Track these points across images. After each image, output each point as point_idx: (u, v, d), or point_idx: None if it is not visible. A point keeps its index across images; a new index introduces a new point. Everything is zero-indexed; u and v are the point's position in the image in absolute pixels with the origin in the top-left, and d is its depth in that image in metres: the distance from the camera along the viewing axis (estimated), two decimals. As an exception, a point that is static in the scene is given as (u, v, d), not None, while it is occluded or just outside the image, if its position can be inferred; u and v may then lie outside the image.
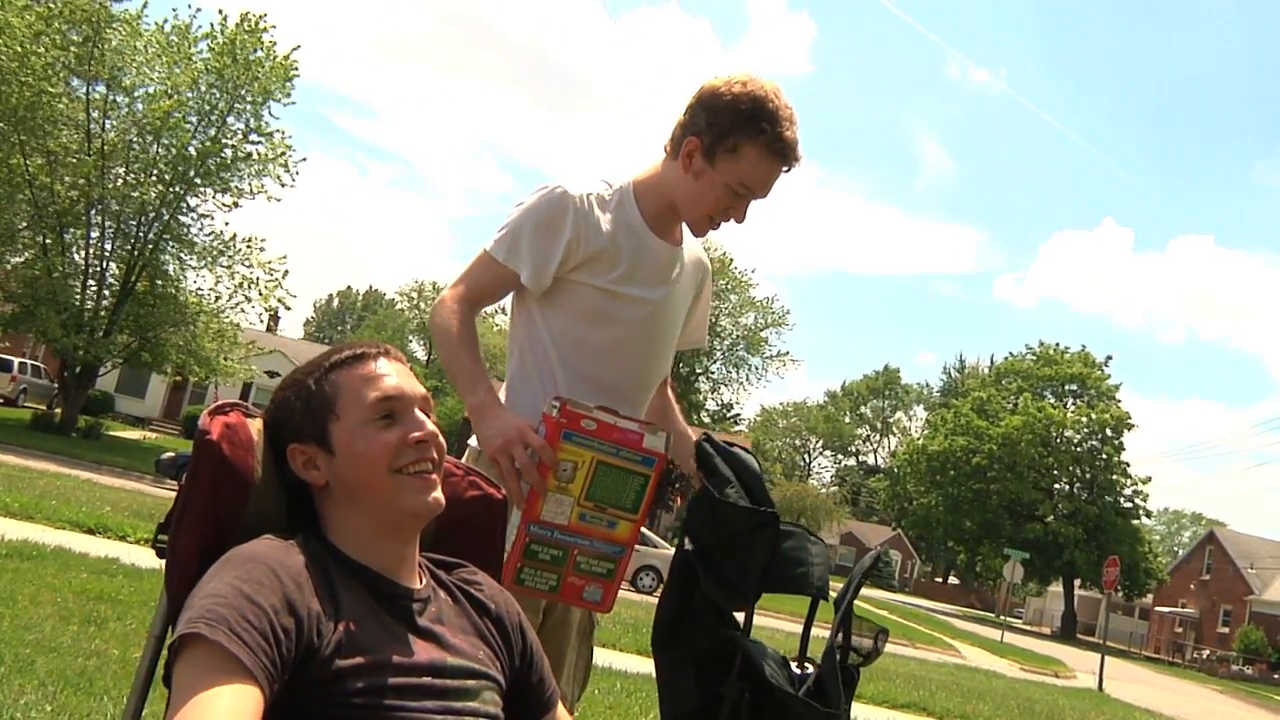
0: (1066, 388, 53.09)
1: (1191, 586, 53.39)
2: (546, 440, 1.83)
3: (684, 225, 2.38)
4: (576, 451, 1.85)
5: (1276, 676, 41.50)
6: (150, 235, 25.00)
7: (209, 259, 25.80)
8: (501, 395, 2.29)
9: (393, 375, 1.46)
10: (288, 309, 30.20)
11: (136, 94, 24.44)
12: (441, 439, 1.47)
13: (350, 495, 1.42)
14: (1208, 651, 46.99)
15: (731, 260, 64.74)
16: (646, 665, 7.17)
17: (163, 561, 1.42)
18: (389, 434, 1.41)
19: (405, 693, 1.25)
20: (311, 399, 1.45)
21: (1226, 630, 48.66)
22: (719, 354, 67.09)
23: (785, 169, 2.23)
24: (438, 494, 1.44)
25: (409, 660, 1.33)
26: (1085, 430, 50.27)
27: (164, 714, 1.16)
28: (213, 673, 1.15)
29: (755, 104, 2.15)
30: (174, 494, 1.45)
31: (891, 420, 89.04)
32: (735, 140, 2.16)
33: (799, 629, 2.18)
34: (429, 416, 1.46)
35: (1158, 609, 55.57)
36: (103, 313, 24.87)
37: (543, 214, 2.20)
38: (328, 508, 1.44)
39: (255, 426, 1.49)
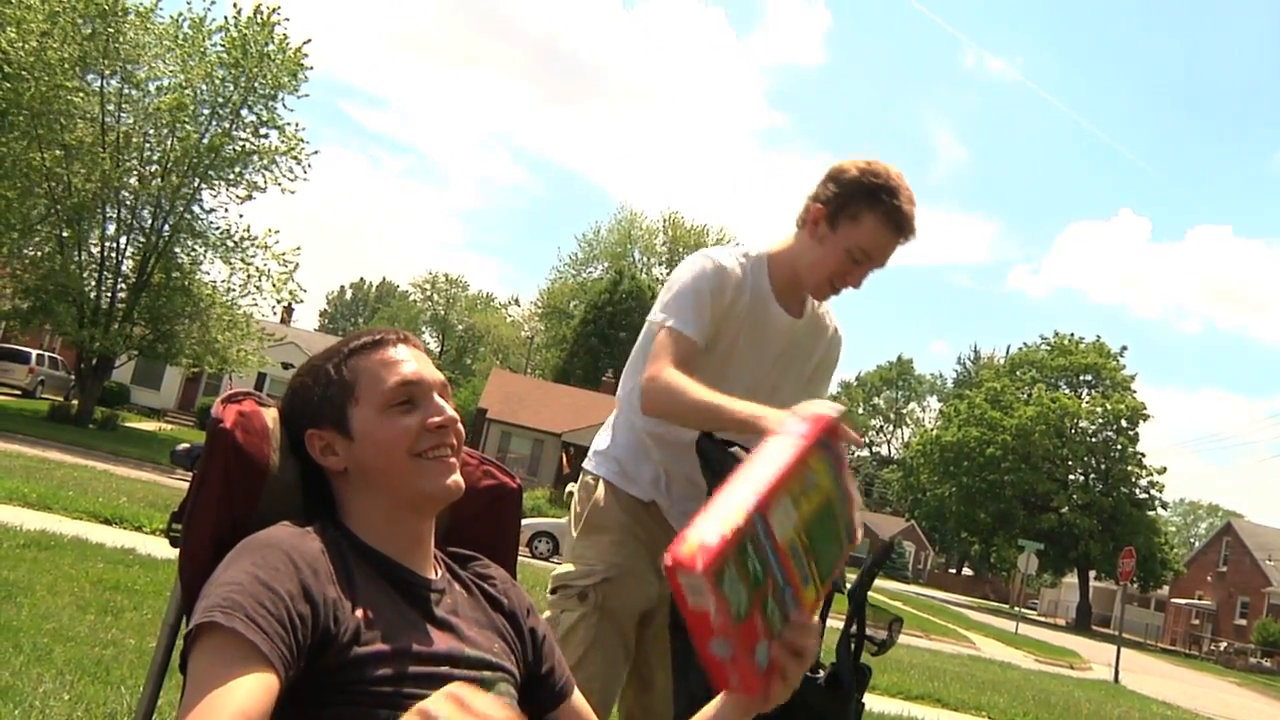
0: (1081, 378, 52.85)
1: (1208, 578, 53.17)
2: (806, 436, 1.30)
3: (809, 299, 2.58)
4: (822, 471, 1.31)
5: (1293, 668, 41.28)
6: (164, 228, 25.13)
7: (223, 251, 25.92)
8: (604, 440, 2.63)
9: (411, 361, 1.46)
10: (299, 301, 30.31)
11: (150, 87, 24.54)
12: (460, 425, 1.46)
13: (369, 480, 1.42)
14: (1225, 644, 46.74)
15: (745, 251, 64.77)
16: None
17: (177, 550, 1.42)
18: (408, 419, 1.41)
19: (424, 681, 1.25)
20: (330, 385, 1.45)
21: (1244, 622, 48.42)
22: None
23: (902, 241, 2.40)
24: (457, 477, 1.43)
25: (428, 649, 1.33)
26: (1100, 421, 50.04)
27: (179, 701, 1.16)
28: (229, 661, 1.15)
29: (878, 178, 2.35)
30: (188, 485, 1.44)
31: (905, 411, 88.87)
32: (857, 208, 2.35)
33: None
34: (448, 402, 1.46)
35: (1174, 601, 55.34)
36: (119, 305, 25.02)
37: (706, 286, 2.38)
38: (346, 493, 1.44)
39: (270, 415, 1.49)
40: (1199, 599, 53.34)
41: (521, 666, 1.48)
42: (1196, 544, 66.29)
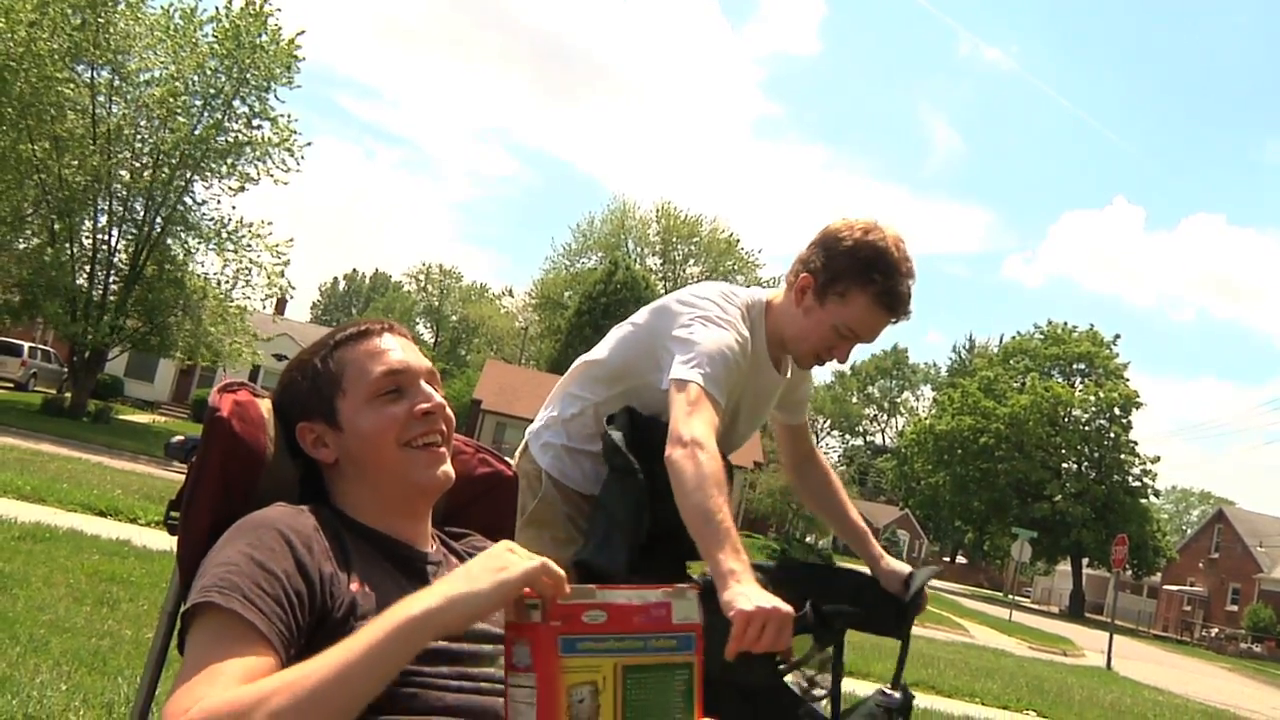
0: (1074, 367, 52.98)
1: (1200, 565, 53.43)
2: (533, 663, 1.13)
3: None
4: (589, 665, 1.15)
5: (1285, 654, 41.51)
6: (157, 220, 25.04)
7: (216, 243, 25.85)
8: (549, 428, 2.49)
9: (398, 350, 1.46)
10: (290, 295, 30.24)
11: (142, 78, 24.44)
12: (449, 411, 1.47)
13: (360, 471, 1.43)
14: (1216, 630, 47.01)
15: (738, 241, 64.77)
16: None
17: (174, 540, 1.43)
18: (396, 408, 1.42)
19: (422, 656, 1.26)
20: (318, 377, 1.46)
21: (1235, 608, 48.68)
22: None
23: (893, 320, 2.27)
24: (447, 467, 1.44)
25: None
26: (1093, 409, 50.18)
27: (173, 683, 1.17)
28: (227, 640, 1.16)
29: (873, 253, 2.20)
30: (183, 477, 1.45)
31: (899, 400, 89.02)
32: (846, 286, 2.22)
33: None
34: (436, 389, 1.47)
35: (1166, 587, 55.58)
36: (111, 298, 24.94)
37: (734, 358, 2.22)
38: (339, 485, 1.45)
39: (265, 405, 1.50)
40: (1191, 586, 53.59)
41: None
42: (1189, 531, 66.53)
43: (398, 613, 1.14)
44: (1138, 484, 49.79)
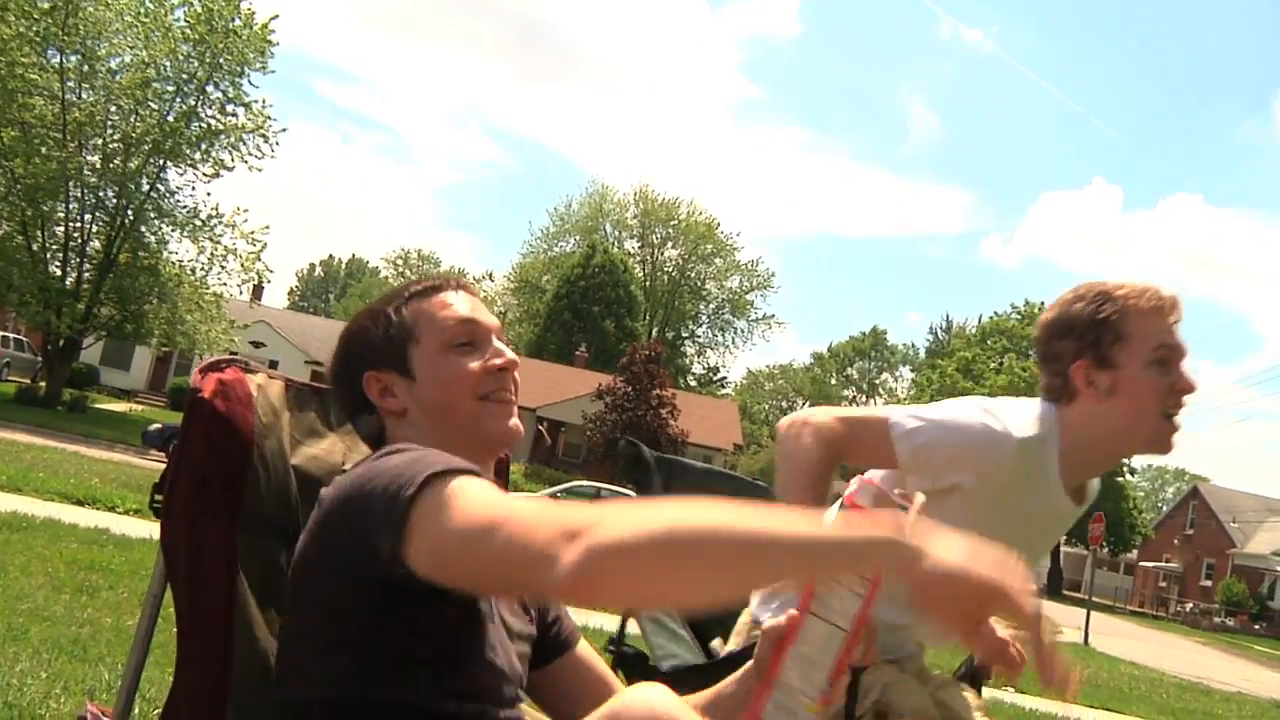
0: (1051, 346, 53.33)
1: (1175, 541, 54.00)
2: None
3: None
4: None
5: (1258, 628, 42.09)
6: (130, 207, 24.82)
7: (190, 230, 25.66)
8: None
9: (469, 306, 1.48)
10: (267, 282, 30.09)
11: (112, 64, 24.18)
12: (517, 370, 1.48)
13: (432, 421, 1.42)
14: (1191, 604, 47.61)
15: (718, 224, 64.80)
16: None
17: (156, 527, 1.43)
18: (472, 360, 1.43)
19: (472, 632, 1.27)
20: (391, 326, 1.45)
21: (1209, 583, 49.28)
22: (704, 317, 67.17)
23: (1173, 314, 1.90)
24: (516, 421, 1.45)
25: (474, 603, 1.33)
26: (1070, 389, 50.55)
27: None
28: (483, 485, 1.15)
29: (1097, 297, 1.91)
30: (161, 466, 1.45)
31: (878, 381, 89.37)
32: (1114, 331, 1.88)
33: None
34: (506, 345, 1.48)
35: (1142, 564, 56.23)
36: (84, 286, 24.73)
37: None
38: (403, 435, 1.42)
39: (255, 381, 1.50)
40: (1166, 562, 54.19)
41: (535, 619, 1.51)
42: (1164, 508, 67.18)
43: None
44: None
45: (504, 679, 1.30)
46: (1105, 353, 1.87)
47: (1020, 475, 1.86)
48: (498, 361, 1.43)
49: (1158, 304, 1.89)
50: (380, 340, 1.45)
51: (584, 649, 1.58)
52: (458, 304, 1.46)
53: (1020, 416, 1.91)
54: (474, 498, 1.10)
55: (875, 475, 1.73)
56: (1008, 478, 1.84)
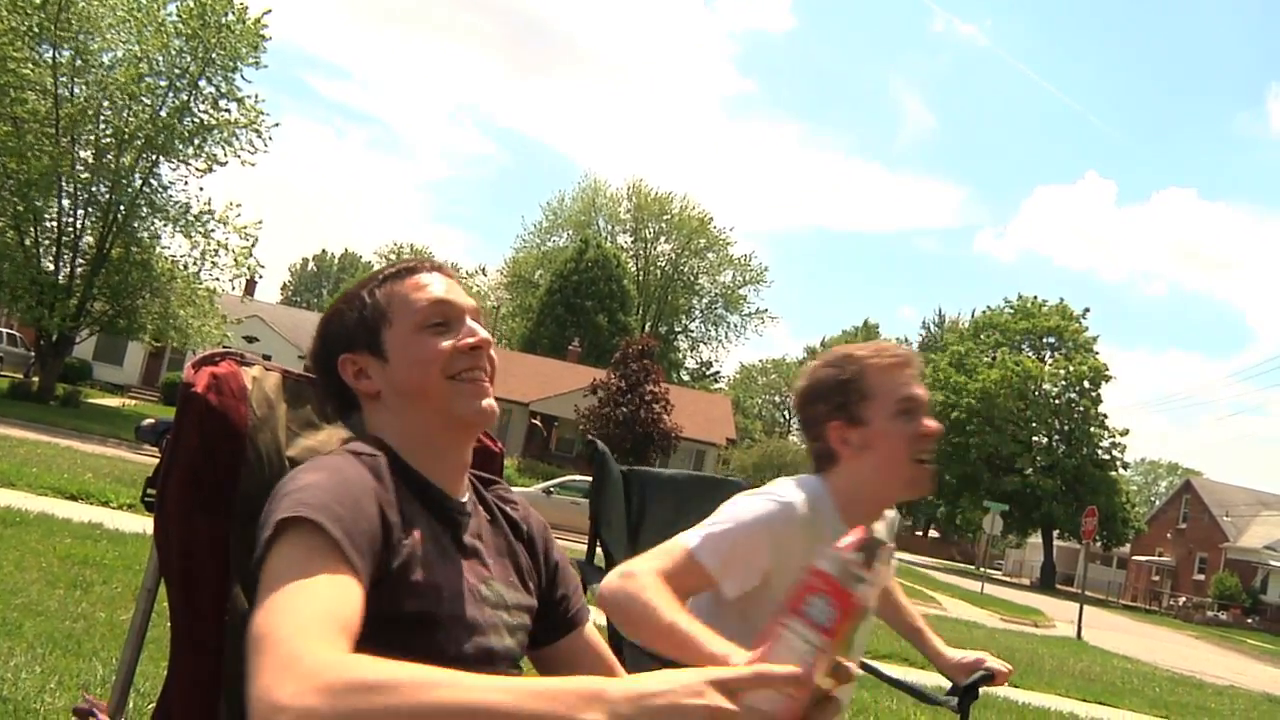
0: (1044, 340, 53.37)
1: (1168, 535, 54.17)
2: (831, 629, 1.11)
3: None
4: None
5: (1250, 621, 42.23)
6: (122, 202, 24.75)
7: (183, 225, 25.61)
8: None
9: (444, 286, 1.48)
10: (260, 276, 30.04)
11: (105, 59, 24.10)
12: (493, 350, 1.47)
13: (404, 402, 1.43)
14: (1184, 598, 47.73)
15: (710, 219, 64.76)
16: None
17: (149, 521, 1.43)
18: (443, 340, 1.43)
19: (451, 622, 1.27)
20: (365, 308, 1.46)
21: (1202, 577, 49.43)
22: (697, 312, 67.19)
23: (910, 368, 2.02)
24: (490, 401, 1.44)
25: (458, 587, 1.34)
26: (1063, 383, 50.62)
27: (253, 603, 1.10)
28: (317, 557, 1.12)
29: (840, 361, 2.03)
30: (155, 460, 1.45)
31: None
32: (858, 388, 1.99)
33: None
34: (481, 326, 1.48)
35: (1135, 558, 56.37)
36: (77, 281, 24.67)
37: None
38: (379, 418, 1.44)
39: (251, 374, 1.49)
40: (1159, 556, 54.36)
41: (536, 594, 1.51)
42: (1157, 502, 67.42)
43: (584, 685, 0.96)
44: (1107, 456, 50.35)
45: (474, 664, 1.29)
46: (854, 411, 1.98)
47: (810, 544, 1.76)
48: (470, 340, 1.43)
49: (895, 360, 2.01)
50: (354, 323, 1.46)
51: (590, 631, 1.58)
52: (432, 285, 1.47)
53: (795, 491, 1.96)
54: (279, 596, 1.07)
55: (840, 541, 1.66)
56: (801, 548, 1.83)
